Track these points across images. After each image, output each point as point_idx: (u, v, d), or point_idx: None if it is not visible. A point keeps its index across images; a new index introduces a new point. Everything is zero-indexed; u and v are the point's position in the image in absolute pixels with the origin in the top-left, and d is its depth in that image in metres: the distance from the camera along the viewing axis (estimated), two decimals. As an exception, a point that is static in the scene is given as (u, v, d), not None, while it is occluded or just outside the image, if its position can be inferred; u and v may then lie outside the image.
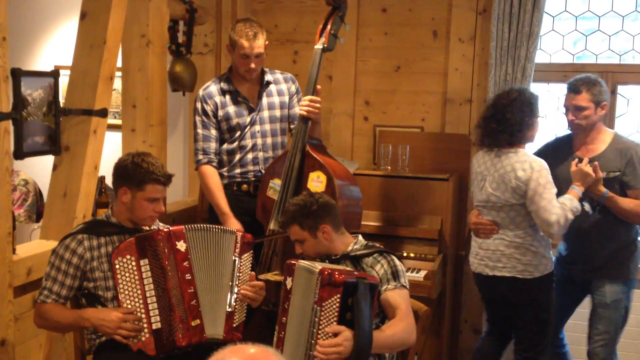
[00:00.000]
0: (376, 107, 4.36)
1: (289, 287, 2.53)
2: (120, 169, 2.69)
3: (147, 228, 2.75)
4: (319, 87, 3.34)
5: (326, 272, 2.38)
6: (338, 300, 2.36)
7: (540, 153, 3.44)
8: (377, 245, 2.78)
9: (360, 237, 2.81)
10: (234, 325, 2.72)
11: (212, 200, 3.51)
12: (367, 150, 4.38)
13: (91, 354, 2.71)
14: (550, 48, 4.15)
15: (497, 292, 3.37)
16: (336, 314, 2.37)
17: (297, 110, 3.58)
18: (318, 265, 2.47)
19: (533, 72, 3.84)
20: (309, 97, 3.31)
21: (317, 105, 3.31)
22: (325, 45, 3.37)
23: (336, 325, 2.37)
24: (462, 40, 4.11)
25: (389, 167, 4.01)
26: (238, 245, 2.76)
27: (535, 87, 3.92)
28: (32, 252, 3.03)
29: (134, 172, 2.64)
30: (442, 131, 4.19)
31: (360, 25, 4.32)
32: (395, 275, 2.60)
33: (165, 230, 2.66)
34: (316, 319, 2.38)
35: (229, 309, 2.71)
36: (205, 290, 2.68)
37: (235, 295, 2.72)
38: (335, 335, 2.36)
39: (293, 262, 2.56)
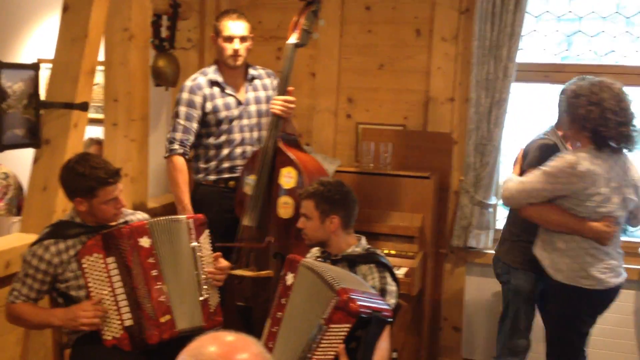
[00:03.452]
0: (359, 105, 4.37)
1: (288, 283, 2.48)
2: (67, 182, 2.63)
3: (114, 223, 2.72)
4: (291, 88, 3.34)
5: (344, 296, 2.26)
6: (347, 329, 2.27)
7: None
8: (378, 252, 2.76)
9: (363, 239, 2.80)
10: (211, 310, 2.72)
11: (176, 191, 3.43)
12: (349, 147, 4.39)
13: (69, 348, 2.70)
14: (532, 48, 4.18)
15: (610, 302, 3.08)
16: (341, 340, 2.27)
17: None
18: (328, 273, 2.36)
19: (515, 71, 3.87)
20: (283, 97, 3.32)
21: (291, 105, 3.33)
22: (298, 41, 3.36)
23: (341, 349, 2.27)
24: (445, 39, 4.13)
25: (371, 165, 4.03)
26: (192, 230, 2.73)
27: (516, 87, 3.95)
28: (10, 246, 3.02)
29: (80, 183, 2.58)
30: (424, 129, 4.21)
31: (344, 23, 4.33)
32: (383, 294, 2.58)
33: (127, 227, 2.63)
34: (319, 336, 2.28)
35: (202, 298, 2.70)
36: (174, 284, 2.67)
37: (203, 281, 2.71)
38: (336, 358, 2.27)
39: (296, 258, 2.51)
